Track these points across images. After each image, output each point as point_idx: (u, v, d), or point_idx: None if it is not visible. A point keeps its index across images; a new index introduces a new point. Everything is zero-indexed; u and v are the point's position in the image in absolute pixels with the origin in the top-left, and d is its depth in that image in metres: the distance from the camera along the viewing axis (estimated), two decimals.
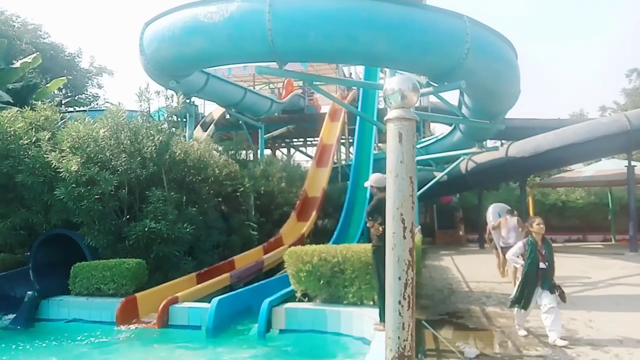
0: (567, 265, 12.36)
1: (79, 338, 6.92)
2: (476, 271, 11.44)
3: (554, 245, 5.73)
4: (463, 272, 11.37)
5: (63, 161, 8.85)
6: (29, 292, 8.10)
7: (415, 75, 9.19)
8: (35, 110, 10.25)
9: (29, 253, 9.32)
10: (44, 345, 6.77)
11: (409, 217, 2.53)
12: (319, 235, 13.61)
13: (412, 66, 9.15)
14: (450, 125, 17.06)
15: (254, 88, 22.55)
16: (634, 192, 15.47)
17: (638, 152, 19.90)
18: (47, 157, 8.97)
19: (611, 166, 18.59)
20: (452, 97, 30.82)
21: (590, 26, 78.24)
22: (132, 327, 7.29)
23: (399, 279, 2.46)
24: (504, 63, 10.05)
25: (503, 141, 21.02)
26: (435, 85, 9.98)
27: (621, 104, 35.61)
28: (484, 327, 6.05)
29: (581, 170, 20.23)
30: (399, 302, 2.44)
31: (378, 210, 5.15)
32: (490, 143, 19.77)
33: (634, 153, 15.58)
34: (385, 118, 2.67)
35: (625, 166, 15.64)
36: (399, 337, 2.43)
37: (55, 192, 8.77)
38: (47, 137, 9.46)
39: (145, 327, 7.27)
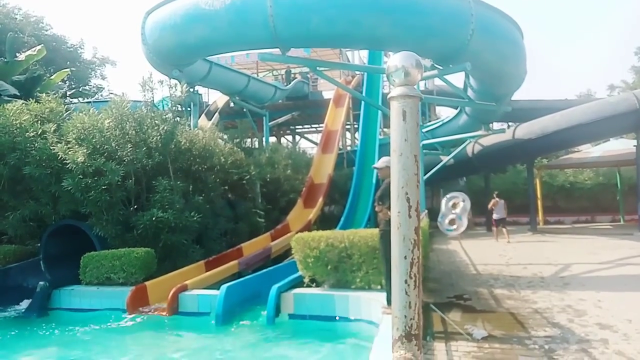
0: (575, 246, 12.35)
1: (90, 326, 7.03)
2: (484, 254, 11.43)
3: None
4: (471, 255, 11.36)
5: (69, 152, 8.89)
6: (41, 282, 8.23)
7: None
8: (40, 103, 10.29)
9: (39, 244, 9.43)
10: (57, 332, 6.91)
11: (414, 195, 2.51)
12: (325, 222, 13.64)
13: (416, 49, 8.84)
14: (456, 109, 16.93)
15: (258, 75, 22.45)
16: None
17: None
18: (54, 149, 9.02)
19: (619, 146, 18.42)
20: (457, 79, 30.57)
21: (598, 4, 76.94)
22: (143, 314, 7.38)
23: (405, 258, 2.45)
24: (510, 44, 9.92)
25: (510, 123, 20.86)
26: (440, 67, 9.89)
27: (630, 83, 35.08)
28: (492, 309, 6.04)
29: (589, 151, 20.07)
30: (405, 282, 2.44)
31: (388, 195, 5.06)
32: (496, 125, 19.57)
33: None
34: (389, 96, 2.64)
35: (634, 146, 15.46)
36: (405, 316, 2.43)
37: (62, 184, 8.85)
38: (52, 129, 9.51)
39: (156, 314, 7.35)
